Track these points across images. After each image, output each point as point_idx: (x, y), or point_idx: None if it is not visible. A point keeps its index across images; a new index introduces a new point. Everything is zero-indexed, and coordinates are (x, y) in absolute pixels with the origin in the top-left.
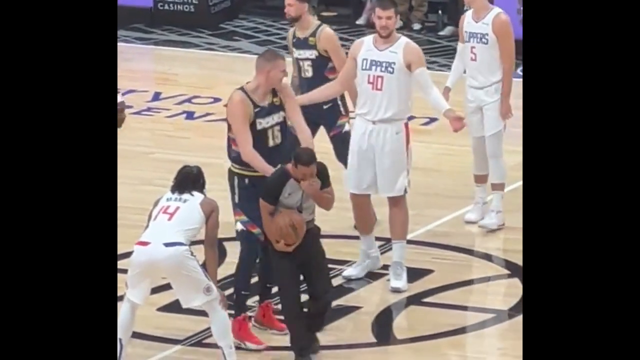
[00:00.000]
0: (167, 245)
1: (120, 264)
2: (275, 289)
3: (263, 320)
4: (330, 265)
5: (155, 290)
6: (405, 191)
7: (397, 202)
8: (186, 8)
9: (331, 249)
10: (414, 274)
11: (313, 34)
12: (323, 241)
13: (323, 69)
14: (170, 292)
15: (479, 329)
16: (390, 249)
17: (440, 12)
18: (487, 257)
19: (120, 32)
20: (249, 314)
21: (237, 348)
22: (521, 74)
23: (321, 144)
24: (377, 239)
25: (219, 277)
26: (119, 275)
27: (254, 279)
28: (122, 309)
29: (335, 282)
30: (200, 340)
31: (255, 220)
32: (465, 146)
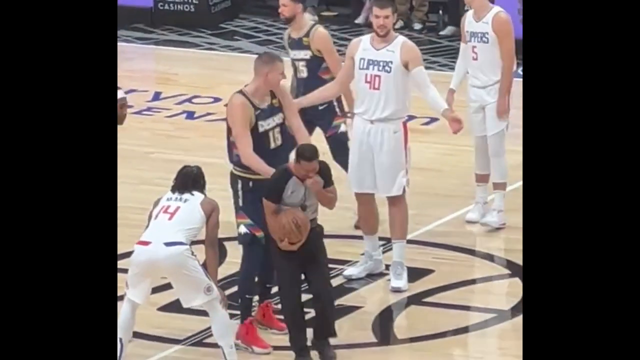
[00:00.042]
0: (167, 244)
1: (121, 264)
2: (275, 289)
3: (263, 320)
4: (330, 265)
5: (155, 290)
6: (404, 191)
7: (396, 202)
8: (186, 8)
9: (331, 249)
10: (415, 274)
11: (307, 34)
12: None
13: (318, 69)
14: (170, 292)
15: (479, 328)
16: (391, 248)
17: (441, 12)
18: (488, 257)
19: (120, 32)
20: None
21: (238, 348)
22: (521, 73)
23: (319, 144)
24: (378, 238)
25: (219, 277)
26: (119, 275)
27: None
28: (123, 309)
29: (336, 281)
30: (200, 340)
31: (259, 223)
32: (466, 146)
